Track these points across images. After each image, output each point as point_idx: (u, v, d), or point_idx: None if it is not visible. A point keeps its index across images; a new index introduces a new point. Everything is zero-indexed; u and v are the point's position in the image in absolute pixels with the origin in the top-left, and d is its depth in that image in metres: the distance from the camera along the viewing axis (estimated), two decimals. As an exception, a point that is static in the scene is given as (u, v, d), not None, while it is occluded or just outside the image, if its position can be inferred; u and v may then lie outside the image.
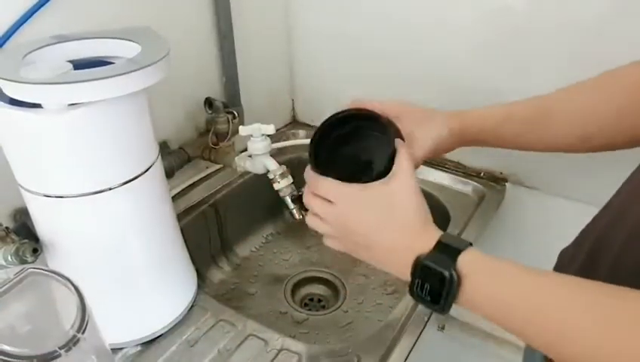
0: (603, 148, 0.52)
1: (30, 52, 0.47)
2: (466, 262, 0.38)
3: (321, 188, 0.45)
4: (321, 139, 0.47)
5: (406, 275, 0.40)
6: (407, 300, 0.61)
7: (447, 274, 0.37)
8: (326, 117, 0.48)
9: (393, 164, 0.44)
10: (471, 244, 0.39)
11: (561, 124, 0.51)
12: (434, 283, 0.38)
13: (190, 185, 0.83)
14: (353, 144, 0.46)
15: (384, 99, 0.52)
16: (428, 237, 0.40)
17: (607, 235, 0.42)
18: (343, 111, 0.47)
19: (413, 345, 0.56)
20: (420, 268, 0.39)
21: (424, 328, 0.58)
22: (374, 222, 0.42)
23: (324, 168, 0.46)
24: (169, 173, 0.75)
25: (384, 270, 0.44)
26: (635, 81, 0.48)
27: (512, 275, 0.37)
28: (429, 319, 0.59)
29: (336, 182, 0.44)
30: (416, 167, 0.49)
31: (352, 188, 0.44)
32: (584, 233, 0.48)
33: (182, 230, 0.62)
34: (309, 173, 0.47)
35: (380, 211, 0.42)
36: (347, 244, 0.45)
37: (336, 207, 0.44)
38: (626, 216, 0.40)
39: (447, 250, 0.38)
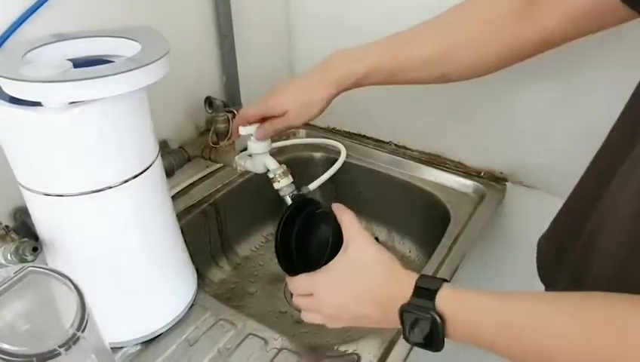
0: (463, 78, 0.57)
1: (30, 50, 0.47)
2: (443, 300, 0.40)
3: (299, 287, 0.50)
4: (283, 250, 0.53)
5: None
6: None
7: (429, 317, 0.40)
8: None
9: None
10: (445, 280, 0.42)
11: (420, 72, 0.56)
12: (422, 328, 0.40)
13: (190, 185, 0.83)
14: (311, 233, 0.51)
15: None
16: (403, 285, 0.42)
17: (599, 231, 0.42)
18: (281, 221, 0.54)
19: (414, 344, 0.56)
20: (405, 317, 0.42)
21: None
22: (350, 293, 0.46)
23: (300, 268, 0.51)
24: (169, 173, 0.75)
25: (388, 327, 0.46)
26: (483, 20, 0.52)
27: (486, 302, 0.39)
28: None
29: (305, 276, 0.49)
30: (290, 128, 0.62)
31: (318, 275, 0.48)
32: (572, 226, 0.49)
33: (182, 229, 0.62)
34: (287, 280, 0.53)
35: (349, 282, 0.46)
36: (343, 321, 0.48)
37: (316, 296, 0.48)
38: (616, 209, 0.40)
39: (425, 294, 0.41)
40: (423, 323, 0.40)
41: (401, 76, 0.57)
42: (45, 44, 0.48)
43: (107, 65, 0.45)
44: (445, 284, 0.41)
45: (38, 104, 0.43)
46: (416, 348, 0.55)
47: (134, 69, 0.42)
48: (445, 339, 0.40)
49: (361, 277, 0.46)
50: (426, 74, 0.56)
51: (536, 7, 0.49)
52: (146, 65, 0.42)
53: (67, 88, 0.40)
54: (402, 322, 0.42)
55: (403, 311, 0.42)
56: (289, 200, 0.69)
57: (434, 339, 0.40)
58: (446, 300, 0.40)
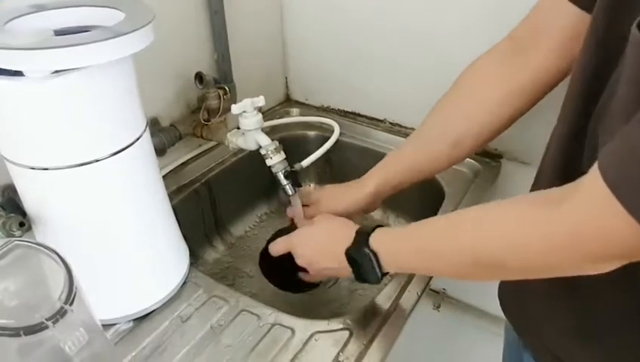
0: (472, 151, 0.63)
1: (9, 21, 0.45)
2: (375, 239, 0.50)
3: (279, 248, 0.63)
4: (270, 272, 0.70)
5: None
6: (400, 278, 0.60)
7: (364, 253, 0.50)
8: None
9: None
10: (379, 226, 0.52)
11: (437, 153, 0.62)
12: (363, 264, 0.50)
13: (183, 164, 0.82)
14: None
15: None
16: (347, 238, 0.52)
17: None
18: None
19: (406, 320, 0.56)
20: (349, 258, 0.52)
21: (416, 304, 0.58)
22: (316, 251, 0.58)
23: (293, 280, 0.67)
24: (161, 151, 0.74)
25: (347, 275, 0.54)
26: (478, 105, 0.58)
27: (404, 233, 0.50)
28: (420, 296, 0.59)
29: (282, 239, 0.63)
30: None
31: (293, 238, 0.61)
32: None
33: (175, 209, 0.61)
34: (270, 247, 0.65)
35: (316, 242, 0.59)
36: (313, 271, 0.60)
37: (293, 254, 0.60)
38: None
39: (361, 237, 0.51)
40: (361, 259, 0.50)
41: (416, 177, 0.64)
42: (25, 14, 0.47)
43: (92, 32, 0.43)
44: (379, 228, 0.51)
45: (19, 74, 0.42)
46: (411, 328, 0.56)
47: (118, 35, 0.40)
48: (383, 272, 0.50)
49: (323, 239, 0.58)
50: (436, 167, 0.64)
51: (523, 48, 0.53)
52: (130, 32, 0.41)
53: (48, 56, 0.39)
54: (349, 263, 0.52)
55: (346, 254, 0.52)
56: (282, 178, 0.69)
57: (372, 272, 0.50)
58: (377, 239, 0.50)
